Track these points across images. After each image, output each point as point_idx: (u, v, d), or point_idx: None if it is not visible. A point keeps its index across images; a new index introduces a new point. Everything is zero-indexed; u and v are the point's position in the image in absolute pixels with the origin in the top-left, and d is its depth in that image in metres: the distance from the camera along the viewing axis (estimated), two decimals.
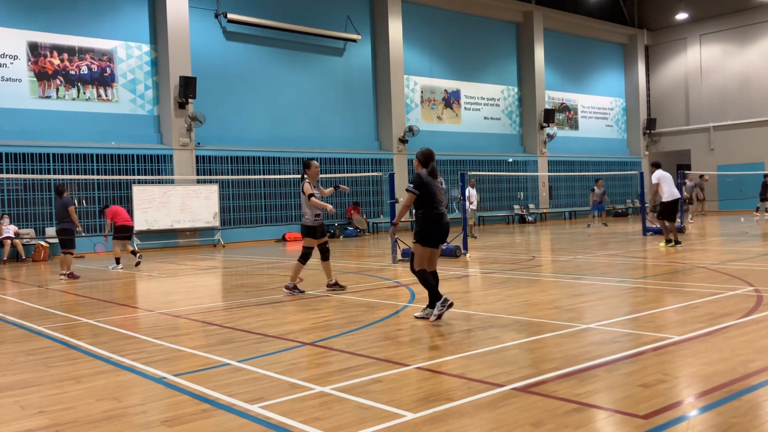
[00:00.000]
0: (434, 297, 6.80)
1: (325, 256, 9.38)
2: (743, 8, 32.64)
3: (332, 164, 24.52)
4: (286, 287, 9.34)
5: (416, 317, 6.96)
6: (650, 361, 4.92)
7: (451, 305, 6.72)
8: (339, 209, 24.91)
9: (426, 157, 6.96)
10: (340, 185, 9.77)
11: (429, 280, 6.85)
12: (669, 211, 14.27)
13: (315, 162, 9.27)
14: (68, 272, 12.72)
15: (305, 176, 9.14)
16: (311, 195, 8.95)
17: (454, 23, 28.89)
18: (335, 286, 9.47)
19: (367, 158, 25.71)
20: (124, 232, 14.61)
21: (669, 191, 14.17)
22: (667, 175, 14.47)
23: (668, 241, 14.25)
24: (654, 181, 14.41)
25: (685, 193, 22.56)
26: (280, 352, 5.73)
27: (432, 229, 6.87)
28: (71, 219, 12.75)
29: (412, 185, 6.88)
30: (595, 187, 24.24)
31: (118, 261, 14.67)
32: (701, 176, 27.51)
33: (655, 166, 14.74)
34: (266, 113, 23.39)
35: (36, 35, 19.12)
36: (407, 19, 26.85)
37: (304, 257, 9.17)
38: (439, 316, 6.71)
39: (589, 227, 23.42)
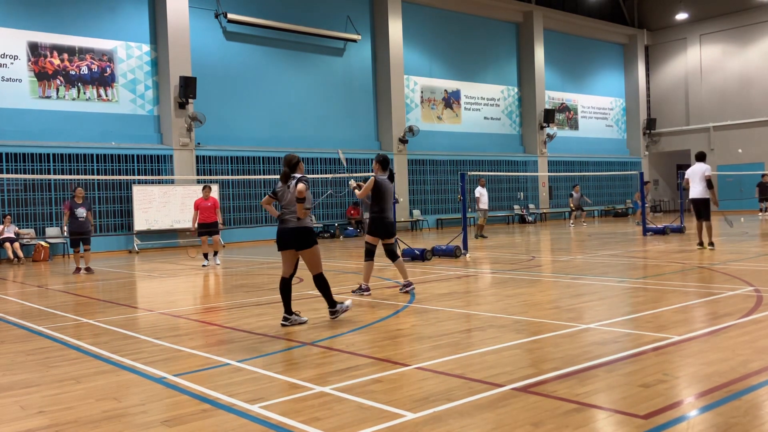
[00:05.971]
0: None
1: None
2: (743, 8, 32.64)
3: (332, 164, 24.50)
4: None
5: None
6: (650, 361, 4.92)
7: None
8: (339, 209, 24.92)
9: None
10: None
11: None
12: None
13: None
14: (84, 266, 14.10)
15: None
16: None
17: (454, 23, 28.88)
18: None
19: (367, 158, 25.67)
20: (200, 228, 14.69)
21: None
22: None
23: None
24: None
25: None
26: (280, 352, 5.73)
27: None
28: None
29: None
30: (573, 192, 25.28)
31: (206, 256, 14.81)
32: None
33: (698, 157, 14.07)
34: (266, 113, 23.38)
35: (36, 35, 19.11)
36: (407, 19, 26.85)
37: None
38: None
39: (572, 226, 24.37)
